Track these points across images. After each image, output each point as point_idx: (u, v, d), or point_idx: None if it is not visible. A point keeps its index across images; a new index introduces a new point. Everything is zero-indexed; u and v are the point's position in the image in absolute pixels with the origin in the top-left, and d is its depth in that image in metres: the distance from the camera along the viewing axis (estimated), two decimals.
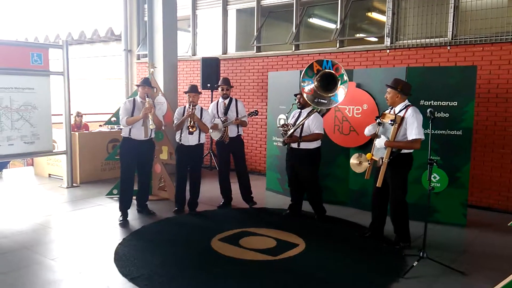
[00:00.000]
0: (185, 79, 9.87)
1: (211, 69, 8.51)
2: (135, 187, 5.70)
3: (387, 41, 7.05)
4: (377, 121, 4.57)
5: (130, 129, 5.38)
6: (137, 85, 5.58)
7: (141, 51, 10.57)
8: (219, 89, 6.16)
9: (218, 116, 6.05)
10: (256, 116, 6.66)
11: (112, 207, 6.09)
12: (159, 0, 8.42)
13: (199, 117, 5.64)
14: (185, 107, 5.74)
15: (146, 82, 5.51)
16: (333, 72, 5.15)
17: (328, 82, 5.22)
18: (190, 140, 5.65)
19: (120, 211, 5.47)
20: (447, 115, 5.40)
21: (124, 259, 4.25)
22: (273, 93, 7.10)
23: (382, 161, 4.40)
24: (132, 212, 5.64)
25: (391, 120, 4.41)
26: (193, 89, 5.67)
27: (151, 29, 8.61)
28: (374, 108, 5.81)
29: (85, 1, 14.04)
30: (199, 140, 5.72)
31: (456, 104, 5.36)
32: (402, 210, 4.59)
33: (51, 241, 4.82)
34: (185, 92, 5.73)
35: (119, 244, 4.66)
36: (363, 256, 4.43)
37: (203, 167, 8.94)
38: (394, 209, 4.62)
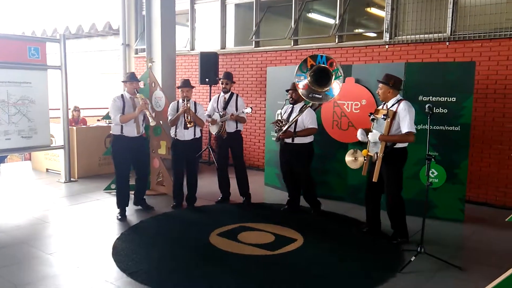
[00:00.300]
0: (183, 73, 9.84)
1: (209, 64, 8.48)
2: (133, 182, 5.69)
3: (386, 37, 7.04)
4: (371, 117, 4.60)
5: (122, 127, 5.30)
6: (124, 82, 5.47)
7: (139, 45, 10.52)
8: (220, 82, 6.13)
9: (218, 110, 6.03)
10: (255, 112, 6.65)
11: (110, 201, 6.09)
12: None
13: (194, 111, 5.62)
14: (178, 102, 5.70)
15: (133, 78, 5.42)
16: (326, 66, 5.12)
17: (321, 77, 5.19)
18: (186, 135, 5.63)
19: (118, 208, 5.46)
20: (445, 110, 5.40)
21: (122, 254, 4.25)
22: (272, 88, 7.09)
23: (377, 156, 4.43)
24: (130, 207, 5.64)
25: (383, 115, 4.44)
26: (185, 84, 5.63)
27: (149, 23, 8.57)
28: (372, 103, 5.81)
29: None
30: (194, 135, 5.70)
31: (454, 100, 5.35)
32: (398, 205, 4.61)
33: (49, 235, 4.81)
34: (178, 87, 5.70)
35: (117, 238, 4.66)
36: (361, 251, 4.45)
37: (201, 162, 8.98)
38: (390, 204, 4.64)
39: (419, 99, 5.46)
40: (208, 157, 8.92)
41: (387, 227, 4.80)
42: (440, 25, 6.59)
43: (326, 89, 5.18)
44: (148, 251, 4.35)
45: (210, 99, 8.72)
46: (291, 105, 5.54)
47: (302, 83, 5.20)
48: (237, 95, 6.09)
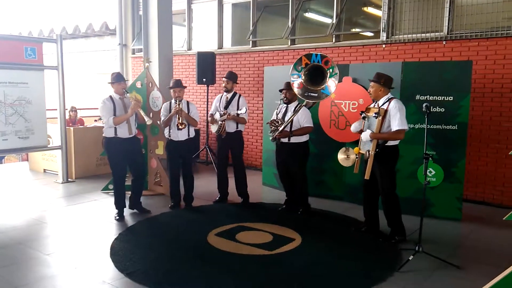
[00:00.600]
0: (180, 73, 9.83)
1: (206, 64, 8.47)
2: (129, 183, 5.68)
3: (383, 36, 7.04)
4: (362, 115, 4.62)
5: (115, 129, 5.22)
6: (111, 83, 5.34)
7: (136, 45, 10.50)
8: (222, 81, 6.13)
9: (220, 109, 6.01)
10: (252, 112, 6.64)
11: (107, 202, 6.08)
12: None
13: (187, 111, 5.59)
14: (171, 102, 5.67)
15: (120, 78, 5.33)
16: (320, 65, 5.11)
17: (315, 76, 5.18)
18: (180, 135, 5.60)
19: (116, 208, 5.44)
20: (442, 110, 5.41)
21: (120, 254, 4.24)
22: (269, 88, 7.08)
23: (369, 154, 4.45)
24: (128, 208, 5.62)
25: (375, 113, 4.47)
26: (177, 84, 5.58)
27: (146, 23, 8.55)
28: (370, 102, 5.77)
29: None
30: (188, 135, 5.67)
31: (451, 99, 5.37)
32: (392, 203, 4.63)
33: (47, 236, 4.80)
34: (169, 88, 5.66)
35: (115, 239, 4.66)
36: (359, 251, 4.45)
37: (199, 161, 8.97)
38: (384, 202, 4.67)
39: (416, 98, 5.47)
40: (206, 157, 8.91)
41: (385, 226, 4.80)
42: (437, 24, 6.60)
43: (322, 87, 5.17)
44: (146, 251, 4.34)
45: (207, 99, 8.76)
46: (285, 105, 5.54)
47: (297, 82, 5.19)
48: (239, 95, 6.05)
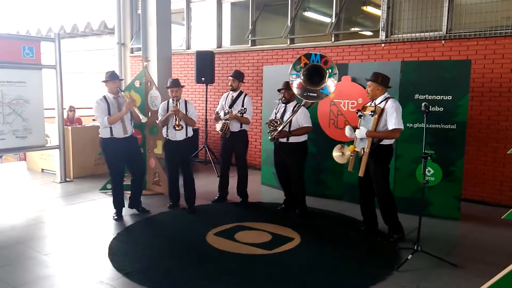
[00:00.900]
0: (179, 72, 9.82)
1: (205, 63, 8.45)
2: (128, 182, 5.67)
3: (382, 35, 7.04)
4: (358, 114, 4.64)
5: (111, 129, 5.17)
6: (105, 81, 5.24)
7: (135, 44, 10.48)
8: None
9: (225, 107, 5.98)
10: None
11: (105, 201, 6.06)
12: None
13: (185, 111, 5.54)
14: (168, 102, 5.61)
15: (115, 76, 5.26)
16: (319, 65, 5.10)
17: (314, 75, 5.16)
18: (177, 135, 5.53)
19: (114, 208, 5.43)
20: (441, 109, 5.41)
21: (118, 254, 4.23)
22: (268, 87, 7.07)
23: (364, 152, 4.47)
24: (127, 208, 5.60)
25: (371, 111, 4.48)
26: (175, 84, 5.53)
27: (145, 22, 8.53)
28: (368, 102, 5.80)
29: None
30: (186, 135, 5.60)
31: (450, 98, 5.36)
32: (387, 200, 4.64)
33: (45, 236, 4.79)
34: (167, 87, 5.60)
35: (113, 239, 4.65)
36: (358, 250, 4.45)
37: (198, 161, 8.96)
38: (379, 200, 4.69)
39: (415, 97, 5.47)
40: (205, 156, 8.90)
41: (384, 225, 4.80)
42: (436, 23, 6.59)
43: (321, 87, 5.15)
44: (144, 251, 4.33)
45: (206, 99, 8.75)
46: (284, 105, 5.51)
47: (296, 82, 5.18)
48: (245, 95, 6.01)
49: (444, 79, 5.39)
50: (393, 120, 4.39)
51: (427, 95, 5.45)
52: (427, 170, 5.07)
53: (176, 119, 5.38)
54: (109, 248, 4.37)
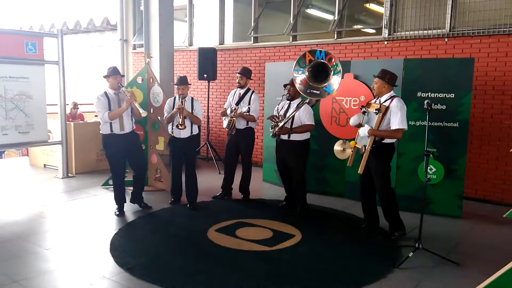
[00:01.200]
0: (181, 69, 9.82)
1: (207, 60, 8.45)
2: (130, 178, 5.68)
3: (385, 33, 7.02)
4: (362, 110, 4.61)
5: (111, 125, 5.17)
6: (106, 77, 5.23)
7: (137, 41, 10.48)
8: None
9: (232, 104, 5.96)
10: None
11: (107, 197, 6.08)
12: None
13: (191, 108, 5.52)
14: (175, 98, 5.60)
15: (116, 72, 5.24)
16: (325, 62, 5.08)
17: (319, 73, 5.15)
18: (182, 132, 5.51)
19: (116, 204, 5.44)
20: (444, 107, 5.39)
21: (120, 250, 4.24)
22: (270, 84, 7.07)
23: (365, 149, 4.46)
24: (128, 203, 5.62)
25: (376, 109, 4.45)
26: (182, 82, 5.48)
27: (147, 18, 8.53)
28: (371, 99, 5.78)
29: None
30: (191, 132, 5.59)
31: (453, 96, 5.35)
32: (388, 198, 4.63)
33: (46, 231, 4.80)
34: (174, 84, 5.57)
35: (115, 234, 4.66)
36: (359, 247, 4.44)
37: (199, 158, 8.96)
38: (381, 197, 4.68)
39: (418, 95, 5.46)
40: (206, 153, 8.91)
41: (385, 222, 4.79)
42: (439, 21, 6.57)
43: (324, 84, 5.14)
44: (146, 247, 4.34)
45: (208, 95, 8.75)
46: (288, 101, 5.46)
47: (300, 78, 5.16)
48: (252, 92, 5.97)
49: (447, 77, 5.37)
50: (397, 119, 4.37)
51: (429, 93, 5.44)
52: (429, 168, 5.09)
53: (180, 118, 5.35)
54: (111, 244, 4.38)
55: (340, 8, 7.64)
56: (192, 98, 5.65)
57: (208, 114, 8.74)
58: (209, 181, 7.10)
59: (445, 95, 5.39)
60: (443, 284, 3.67)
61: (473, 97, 5.66)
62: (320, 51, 5.11)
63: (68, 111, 8.27)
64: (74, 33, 13.56)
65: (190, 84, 5.70)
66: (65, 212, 5.46)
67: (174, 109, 5.44)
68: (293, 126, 5.29)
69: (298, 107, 5.29)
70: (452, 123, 5.38)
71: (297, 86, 5.16)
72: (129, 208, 5.58)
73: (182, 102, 5.40)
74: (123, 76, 5.59)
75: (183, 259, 4.06)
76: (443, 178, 5.38)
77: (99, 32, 13.10)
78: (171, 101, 5.65)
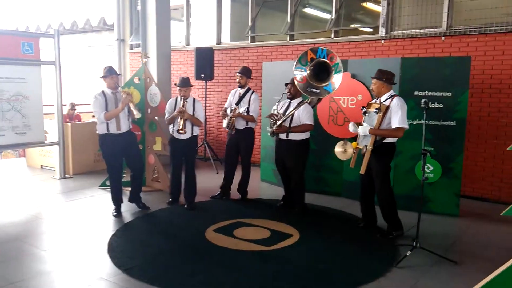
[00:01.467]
0: (178, 69, 9.80)
1: (205, 59, 8.44)
2: (128, 178, 5.66)
3: (382, 32, 7.02)
4: (363, 110, 4.61)
5: (107, 125, 5.15)
6: (103, 77, 5.21)
7: (134, 41, 10.46)
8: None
9: (232, 104, 5.93)
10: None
11: (105, 198, 6.06)
12: None
13: (192, 110, 5.49)
14: (176, 99, 5.57)
15: (113, 71, 5.22)
16: (327, 61, 5.07)
17: (321, 72, 5.13)
18: (182, 134, 5.49)
19: (113, 204, 5.43)
20: (441, 105, 5.40)
21: (118, 250, 4.23)
22: (268, 83, 7.06)
23: (366, 149, 4.45)
24: (126, 204, 5.61)
25: (376, 109, 4.45)
26: (184, 83, 5.43)
27: (144, 18, 8.51)
28: (368, 98, 5.78)
29: None
30: (192, 133, 5.57)
31: (450, 95, 5.36)
32: (387, 198, 4.63)
33: (43, 232, 4.79)
34: (177, 85, 5.51)
35: (113, 235, 4.65)
36: (357, 246, 4.45)
37: (197, 158, 8.94)
38: (379, 197, 4.68)
39: (415, 94, 5.46)
40: (204, 153, 8.90)
41: (383, 221, 4.80)
42: (436, 20, 6.58)
43: (325, 84, 5.12)
44: (143, 247, 4.33)
45: (205, 95, 8.74)
46: (289, 100, 5.42)
47: (301, 75, 5.15)
48: (252, 91, 5.93)
49: (444, 75, 5.38)
50: (397, 118, 4.36)
51: (426, 92, 5.44)
52: (426, 166, 5.08)
53: (180, 122, 5.32)
54: (108, 245, 4.37)
55: (337, 7, 7.64)
56: (194, 99, 5.62)
57: (205, 113, 8.73)
58: (207, 181, 7.09)
59: (442, 94, 5.39)
60: (441, 282, 3.68)
61: (470, 96, 5.67)
62: (322, 50, 5.10)
63: (65, 112, 8.24)
64: (71, 33, 13.53)
65: (192, 86, 5.63)
66: (63, 213, 5.44)
67: (175, 112, 5.41)
68: (292, 125, 5.25)
69: (298, 106, 5.25)
70: (449, 122, 5.38)
71: (297, 83, 5.14)
72: (127, 208, 5.57)
73: (183, 104, 5.37)
74: (120, 74, 5.57)
75: (181, 259, 4.05)
76: (441, 177, 5.39)
77: (96, 32, 13.07)
78: (172, 101, 5.62)
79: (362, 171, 4.49)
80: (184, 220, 5.24)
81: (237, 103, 5.87)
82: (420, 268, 3.90)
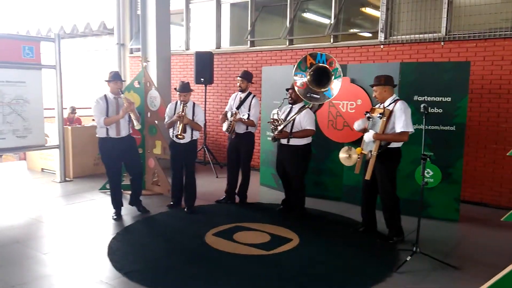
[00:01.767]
0: (178, 73, 9.82)
1: (204, 64, 8.46)
2: (128, 182, 5.67)
3: (381, 37, 7.05)
4: (367, 115, 4.60)
5: (107, 129, 5.16)
6: (107, 81, 5.24)
7: (134, 45, 10.49)
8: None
9: (233, 108, 5.94)
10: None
11: (105, 201, 6.06)
12: None
13: (192, 114, 5.50)
14: (176, 103, 5.58)
15: (117, 77, 5.24)
16: (326, 66, 5.08)
17: (321, 77, 5.13)
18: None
19: (113, 208, 5.43)
20: (440, 110, 5.41)
21: (118, 254, 4.23)
22: (267, 88, 7.08)
23: (371, 154, 4.44)
24: (126, 207, 5.61)
25: (379, 114, 4.45)
26: (184, 89, 5.43)
27: (144, 22, 8.54)
28: (368, 103, 5.82)
29: None
30: (192, 137, 5.58)
31: (449, 100, 5.37)
32: (392, 204, 4.62)
33: (44, 235, 4.79)
34: (176, 90, 5.51)
35: (113, 238, 4.65)
36: (357, 251, 4.45)
37: (197, 161, 8.95)
38: (384, 203, 4.65)
39: (414, 99, 5.48)
40: (204, 157, 8.90)
41: (383, 225, 4.80)
42: (435, 25, 6.61)
43: (325, 89, 5.12)
44: (143, 251, 4.33)
45: (205, 99, 8.76)
46: (290, 105, 5.41)
47: (301, 81, 5.15)
48: (253, 96, 5.93)
49: (443, 80, 5.40)
50: (401, 122, 4.35)
51: (426, 97, 5.46)
52: (426, 171, 5.10)
53: (179, 127, 5.33)
54: (109, 248, 4.37)
55: (336, 12, 7.67)
56: (194, 104, 5.63)
57: (205, 118, 8.74)
58: (207, 185, 7.10)
59: (442, 99, 5.41)
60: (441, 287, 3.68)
61: (469, 101, 5.69)
62: (321, 55, 5.10)
63: (65, 115, 8.25)
64: (71, 37, 13.56)
65: (192, 90, 5.64)
66: (63, 217, 5.44)
67: (175, 117, 5.42)
68: (293, 130, 5.24)
69: (300, 111, 5.25)
70: (448, 127, 5.40)
71: (297, 89, 5.14)
72: (127, 212, 5.57)
73: (183, 109, 5.38)
74: (124, 81, 5.58)
75: (180, 263, 4.05)
76: (440, 182, 5.40)
77: (96, 36, 13.09)
78: (172, 106, 5.63)
79: (367, 176, 4.46)
80: (184, 224, 5.25)
81: (238, 107, 5.88)
82: (420, 273, 3.90)
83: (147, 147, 6.61)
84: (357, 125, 4.79)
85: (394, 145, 4.50)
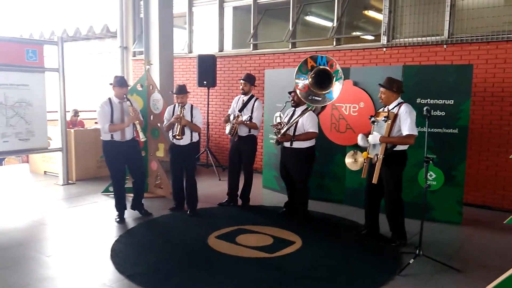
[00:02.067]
0: (181, 76, 9.85)
1: (207, 67, 8.48)
2: (130, 185, 5.68)
3: (384, 39, 7.06)
4: (371, 120, 4.60)
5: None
6: (113, 86, 5.27)
7: (137, 48, 10.52)
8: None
9: (236, 111, 5.94)
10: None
11: (108, 204, 6.07)
12: None
13: (190, 116, 5.52)
14: (174, 106, 5.60)
15: (123, 83, 5.25)
16: (327, 68, 5.08)
17: (322, 79, 5.12)
18: (182, 140, 5.51)
19: (116, 210, 5.44)
20: (443, 113, 5.41)
21: (121, 256, 4.24)
22: (270, 91, 7.09)
23: (377, 158, 4.43)
24: (129, 210, 5.62)
25: (384, 117, 4.44)
26: (180, 91, 5.47)
27: (147, 26, 8.58)
28: (370, 106, 5.82)
29: None
30: (191, 139, 5.59)
31: (452, 103, 5.37)
32: (397, 208, 4.61)
33: (47, 238, 4.80)
34: (173, 93, 5.56)
35: (116, 241, 4.65)
36: (359, 254, 4.44)
37: (199, 164, 8.97)
38: (389, 206, 4.64)
39: (417, 101, 5.47)
40: (206, 159, 8.91)
41: (386, 229, 4.80)
42: (438, 28, 6.61)
43: (326, 91, 5.12)
44: (146, 254, 4.34)
45: (208, 102, 8.78)
46: (293, 108, 5.41)
47: (302, 84, 5.16)
48: (256, 99, 5.93)
49: (446, 83, 5.39)
50: (407, 126, 4.34)
51: (429, 100, 5.46)
52: (428, 174, 5.10)
53: (177, 128, 5.36)
54: (111, 251, 4.38)
55: (339, 15, 7.69)
56: (192, 106, 5.65)
57: (208, 120, 8.77)
58: (209, 188, 7.11)
59: (444, 102, 5.41)
60: None
61: (472, 104, 5.68)
62: (322, 57, 5.11)
63: (68, 118, 8.28)
64: (74, 40, 13.61)
65: (189, 92, 5.68)
66: (66, 219, 5.45)
67: (173, 118, 5.45)
68: (296, 133, 5.22)
69: (303, 113, 5.24)
70: (451, 130, 5.39)
71: (298, 92, 5.15)
72: (130, 214, 5.58)
73: (181, 111, 5.40)
74: (129, 86, 5.60)
75: (183, 266, 4.06)
76: (443, 185, 5.39)
77: (99, 39, 13.15)
78: (170, 108, 5.65)
79: (374, 180, 4.43)
80: (186, 226, 5.25)
81: (241, 110, 5.88)
82: (423, 276, 3.90)
83: (150, 150, 6.62)
84: (360, 143, 4.75)
85: (400, 147, 4.49)
